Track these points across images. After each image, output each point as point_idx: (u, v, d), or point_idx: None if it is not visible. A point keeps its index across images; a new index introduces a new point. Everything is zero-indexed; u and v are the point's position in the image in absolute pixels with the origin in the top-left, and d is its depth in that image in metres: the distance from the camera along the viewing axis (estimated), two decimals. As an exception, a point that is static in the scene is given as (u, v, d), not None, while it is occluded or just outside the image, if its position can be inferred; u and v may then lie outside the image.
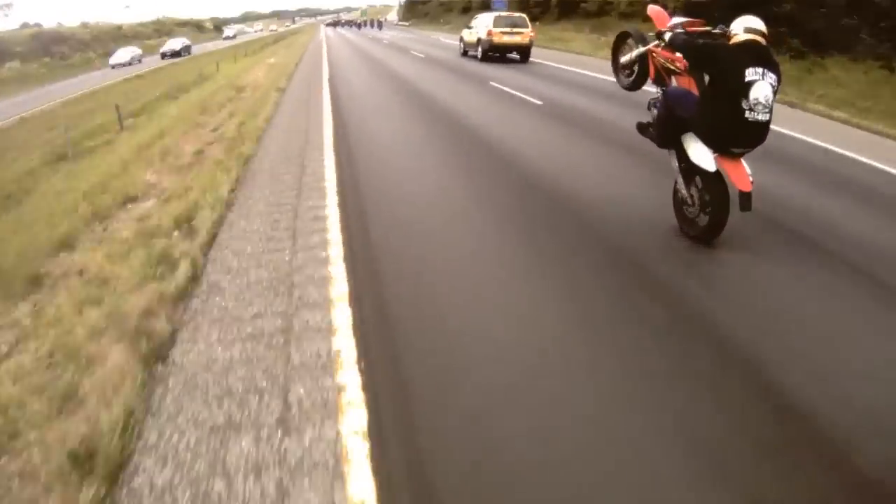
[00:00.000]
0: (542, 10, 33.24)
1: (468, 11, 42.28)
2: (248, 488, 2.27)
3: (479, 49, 18.97)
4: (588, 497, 2.23)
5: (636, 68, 5.02)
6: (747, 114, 3.91)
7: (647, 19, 5.20)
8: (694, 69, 4.30)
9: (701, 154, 4.21)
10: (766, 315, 3.52)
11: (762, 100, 3.89)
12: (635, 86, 5.15)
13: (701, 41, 4.20)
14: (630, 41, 5.15)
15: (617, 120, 8.90)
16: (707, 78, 4.20)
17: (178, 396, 2.84)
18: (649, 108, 4.99)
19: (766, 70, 3.90)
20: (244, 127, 9.76)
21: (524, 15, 19.81)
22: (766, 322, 3.44)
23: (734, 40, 4.06)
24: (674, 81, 4.67)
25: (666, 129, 4.55)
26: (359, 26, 70.12)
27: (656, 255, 4.31)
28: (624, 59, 5.13)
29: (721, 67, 3.98)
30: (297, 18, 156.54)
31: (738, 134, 4.05)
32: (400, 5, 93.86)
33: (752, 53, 3.94)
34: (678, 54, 4.43)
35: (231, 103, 13.39)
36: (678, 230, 4.62)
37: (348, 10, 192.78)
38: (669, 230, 4.68)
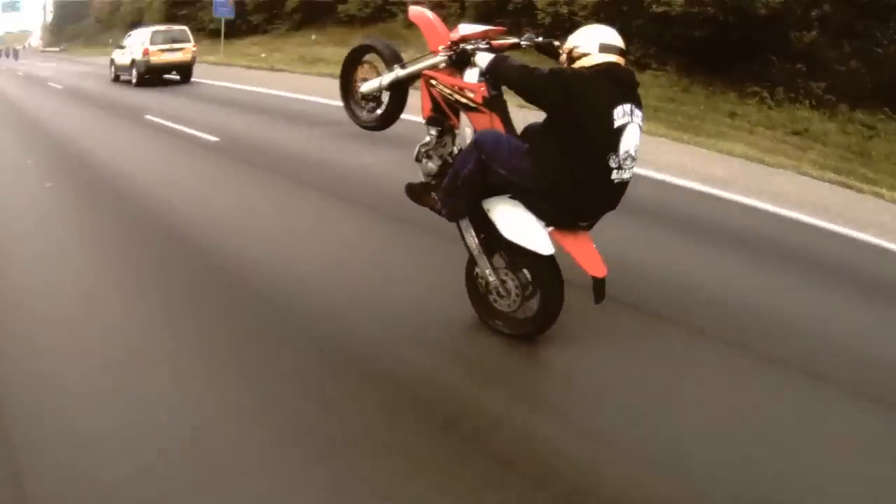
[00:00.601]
0: (271, 17, 27.05)
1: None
2: None
3: (134, 72, 16.02)
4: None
5: (386, 99, 3.47)
6: (615, 173, 2.71)
7: (411, 25, 3.67)
8: (553, 113, 2.78)
9: (527, 229, 2.83)
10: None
11: (632, 151, 2.73)
12: (384, 123, 3.52)
13: (540, 72, 2.71)
14: (370, 59, 3.54)
15: (335, 156, 7.00)
16: (550, 122, 2.81)
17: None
18: (419, 160, 3.32)
19: (633, 107, 2.71)
20: None
21: (185, 28, 17.73)
22: None
23: (585, 63, 2.74)
24: (464, 119, 3.09)
25: (471, 193, 2.95)
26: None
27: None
28: (367, 85, 3.50)
29: (577, 110, 2.64)
30: None
31: (597, 201, 2.82)
32: (43, 29, 78.55)
33: (617, 84, 2.71)
34: (474, 82, 2.96)
35: None
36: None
37: None
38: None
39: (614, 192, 2.82)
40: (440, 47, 3.11)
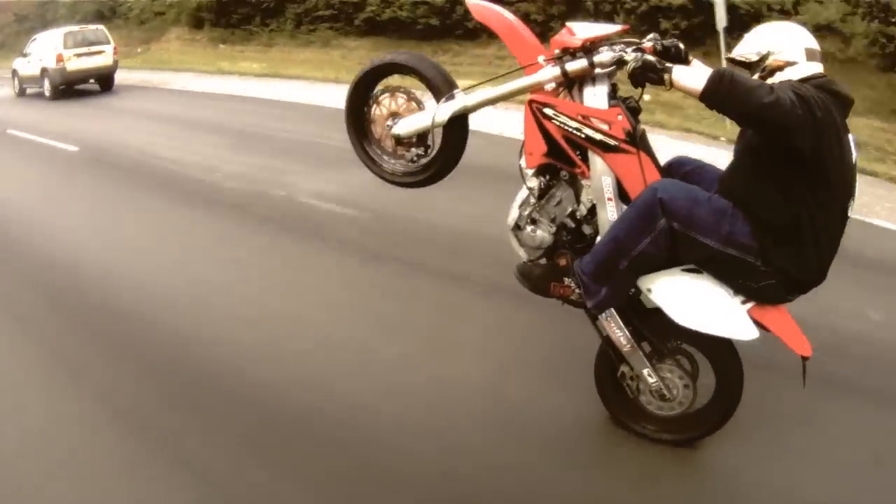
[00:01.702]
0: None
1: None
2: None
3: (47, 83, 13.25)
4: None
5: (434, 141, 2.37)
6: (847, 223, 1.99)
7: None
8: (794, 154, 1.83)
9: (716, 310, 2.00)
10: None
11: (855, 193, 1.98)
12: (436, 176, 2.43)
13: (788, 94, 1.73)
14: (396, 84, 2.43)
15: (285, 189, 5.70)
16: (772, 164, 1.91)
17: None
18: (520, 229, 2.32)
19: (850, 134, 1.94)
20: None
21: (102, 27, 14.57)
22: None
23: (791, 77, 1.91)
24: (599, 165, 2.11)
25: (637, 275, 2.07)
26: None
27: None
28: (405, 125, 2.37)
29: (832, 144, 1.83)
30: None
31: (830, 261, 1.99)
32: None
33: (843, 107, 1.89)
34: (604, 107, 2.04)
35: None
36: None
37: None
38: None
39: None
40: (540, 58, 2.13)
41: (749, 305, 2.01)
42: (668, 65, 1.87)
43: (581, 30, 2.10)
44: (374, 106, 2.44)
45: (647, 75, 1.89)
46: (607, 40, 2.13)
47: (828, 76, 1.95)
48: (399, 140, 2.39)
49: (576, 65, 2.01)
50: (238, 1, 16.75)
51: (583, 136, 2.04)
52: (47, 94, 13.23)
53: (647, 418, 2.33)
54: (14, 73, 14.88)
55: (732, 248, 1.93)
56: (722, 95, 1.75)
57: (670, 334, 2.16)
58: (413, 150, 2.39)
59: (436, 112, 2.24)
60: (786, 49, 1.94)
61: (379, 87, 2.42)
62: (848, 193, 1.94)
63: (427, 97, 2.35)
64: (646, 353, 2.19)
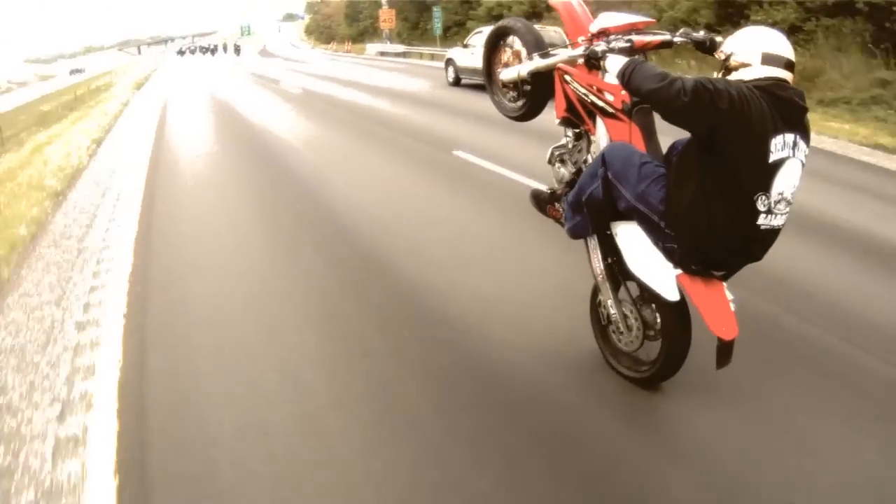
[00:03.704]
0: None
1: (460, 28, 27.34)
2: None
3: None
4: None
5: (527, 89, 3.02)
6: (762, 218, 2.16)
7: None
8: (696, 137, 2.20)
9: (651, 267, 2.40)
10: None
11: (787, 194, 2.16)
12: (526, 115, 3.13)
13: (680, 83, 2.09)
14: (513, 42, 3.10)
15: None
16: (694, 147, 2.23)
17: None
18: (551, 163, 3.03)
19: (798, 138, 2.14)
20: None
21: (559, 29, 12.18)
22: None
23: (744, 77, 2.17)
24: (601, 126, 2.67)
25: (595, 212, 2.59)
26: (212, 52, 58.31)
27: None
28: (507, 73, 3.08)
29: (724, 134, 2.07)
30: (143, 48, 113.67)
31: (737, 249, 2.27)
32: (302, 19, 75.95)
33: (780, 108, 2.09)
34: (615, 83, 2.46)
35: None
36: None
37: (202, 35, 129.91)
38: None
39: (759, 240, 2.22)
40: (580, 38, 2.74)
41: (678, 272, 2.31)
42: (609, 55, 2.41)
43: (604, 20, 2.66)
44: (497, 56, 3.26)
45: (592, 62, 2.49)
46: (630, 31, 2.61)
47: (785, 81, 2.12)
48: (504, 84, 3.16)
49: (576, 52, 2.62)
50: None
51: (589, 101, 2.63)
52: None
53: (614, 350, 2.76)
54: (449, 62, 15.79)
55: (642, 204, 2.30)
56: (626, 80, 2.21)
57: (625, 276, 2.59)
58: (510, 92, 3.17)
59: (520, 68, 2.99)
60: (743, 52, 2.16)
61: (501, 43, 3.23)
62: (759, 188, 2.08)
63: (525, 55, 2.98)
64: (617, 288, 2.65)
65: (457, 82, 15.34)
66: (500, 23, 3.23)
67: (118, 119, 14.35)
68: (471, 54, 14.12)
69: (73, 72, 71.12)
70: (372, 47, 35.83)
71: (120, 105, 17.36)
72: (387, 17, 33.14)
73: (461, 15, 28.73)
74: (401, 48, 31.46)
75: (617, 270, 2.64)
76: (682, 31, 2.70)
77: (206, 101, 16.28)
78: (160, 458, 2.35)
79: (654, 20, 3.02)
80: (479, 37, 14.20)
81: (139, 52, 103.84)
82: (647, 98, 2.20)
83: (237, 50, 51.92)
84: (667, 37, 2.66)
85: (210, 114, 13.67)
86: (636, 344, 2.61)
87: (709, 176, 2.14)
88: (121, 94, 21.45)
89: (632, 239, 2.47)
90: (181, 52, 67.48)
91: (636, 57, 2.36)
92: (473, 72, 13.52)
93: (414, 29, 35.88)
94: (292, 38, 73.25)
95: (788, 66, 2.14)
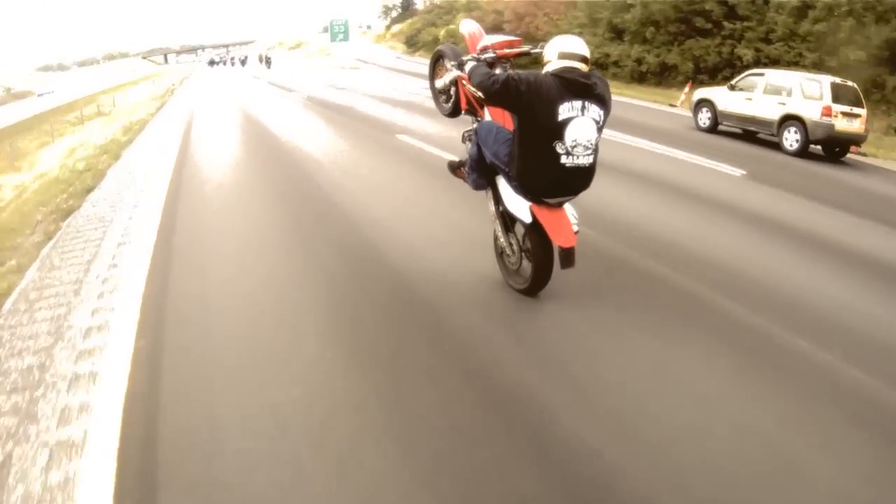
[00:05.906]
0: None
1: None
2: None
3: (798, 135, 11.18)
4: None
5: (452, 94, 4.22)
6: (564, 158, 3.26)
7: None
8: (510, 110, 3.45)
9: (514, 202, 3.55)
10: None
11: (582, 141, 3.25)
12: (453, 113, 4.34)
13: (495, 77, 3.30)
14: (445, 62, 4.26)
15: None
16: (517, 117, 3.41)
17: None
18: (464, 142, 4.23)
19: (586, 103, 3.22)
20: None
21: (855, 86, 11.74)
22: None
23: (549, 69, 3.32)
24: (486, 112, 3.88)
25: (478, 170, 3.81)
26: (231, 63, 55.22)
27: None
28: (439, 82, 4.24)
29: (526, 106, 3.23)
30: (171, 56, 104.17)
31: (553, 182, 3.36)
32: (366, 28, 65.88)
33: (568, 85, 3.21)
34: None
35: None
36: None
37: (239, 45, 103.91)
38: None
39: (570, 175, 3.30)
40: (473, 55, 3.84)
41: (529, 204, 3.41)
42: (468, 64, 3.54)
43: (486, 40, 3.87)
44: (437, 72, 4.41)
45: (462, 69, 3.66)
46: (506, 46, 3.80)
47: (577, 69, 3.21)
48: (439, 91, 4.35)
49: (461, 69, 3.74)
50: None
51: (476, 96, 3.79)
52: (791, 147, 11.28)
53: (509, 272, 3.86)
54: (697, 104, 13.37)
55: (497, 160, 3.49)
56: (469, 79, 3.42)
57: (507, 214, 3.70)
58: (443, 96, 4.35)
59: (446, 77, 4.07)
60: (548, 53, 3.33)
61: (440, 62, 4.38)
62: (554, 137, 3.18)
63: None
64: (509, 227, 3.76)
65: (713, 128, 13.00)
66: (437, 48, 4.44)
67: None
68: (744, 98, 12.32)
69: (40, 95, 57.78)
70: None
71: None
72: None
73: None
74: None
75: (503, 211, 3.76)
76: (540, 44, 3.71)
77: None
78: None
79: (520, 39, 4.09)
80: (752, 79, 12.61)
81: (165, 61, 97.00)
82: (478, 88, 3.37)
83: (243, 62, 50.79)
84: (525, 49, 3.86)
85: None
86: (518, 262, 3.75)
87: (523, 133, 3.29)
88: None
89: (503, 185, 3.63)
90: (212, 63, 61.60)
91: (484, 62, 3.54)
92: (741, 119, 12.34)
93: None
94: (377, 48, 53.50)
95: (582, 59, 3.26)
